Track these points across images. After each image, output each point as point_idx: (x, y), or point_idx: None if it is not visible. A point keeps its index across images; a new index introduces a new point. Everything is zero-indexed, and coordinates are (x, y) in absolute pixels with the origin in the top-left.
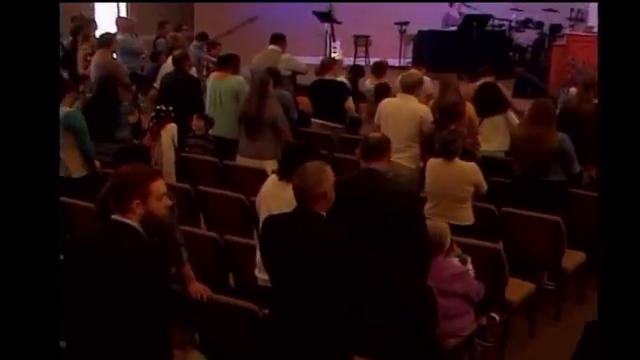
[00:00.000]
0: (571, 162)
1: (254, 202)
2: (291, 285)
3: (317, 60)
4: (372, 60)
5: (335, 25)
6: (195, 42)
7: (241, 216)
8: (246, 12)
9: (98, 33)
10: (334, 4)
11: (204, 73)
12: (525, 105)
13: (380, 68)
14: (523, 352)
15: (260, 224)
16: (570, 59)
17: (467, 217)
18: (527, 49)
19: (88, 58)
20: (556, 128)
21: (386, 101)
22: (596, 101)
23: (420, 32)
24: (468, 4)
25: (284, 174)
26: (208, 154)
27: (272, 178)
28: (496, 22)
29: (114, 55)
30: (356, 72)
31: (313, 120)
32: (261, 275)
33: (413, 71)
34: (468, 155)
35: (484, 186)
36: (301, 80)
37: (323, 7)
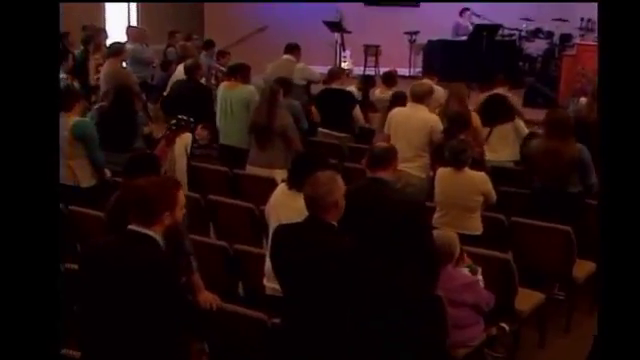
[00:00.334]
0: (589, 173)
1: (264, 211)
2: (302, 295)
3: (326, 70)
4: (382, 70)
5: (345, 34)
6: (204, 51)
7: (251, 225)
8: (256, 22)
9: (109, 42)
10: (343, 12)
11: (212, 81)
12: (535, 115)
13: (391, 78)
14: None
15: (270, 233)
16: (580, 69)
17: (476, 227)
18: (537, 59)
19: (99, 68)
20: (574, 139)
21: (396, 110)
22: None
23: (430, 42)
24: (478, 13)
25: (294, 183)
26: (212, 163)
27: (282, 187)
28: (506, 32)
29: (124, 64)
30: (367, 82)
31: (320, 129)
32: (270, 284)
33: (425, 81)
34: (478, 165)
35: (493, 196)
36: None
37: (333, 17)
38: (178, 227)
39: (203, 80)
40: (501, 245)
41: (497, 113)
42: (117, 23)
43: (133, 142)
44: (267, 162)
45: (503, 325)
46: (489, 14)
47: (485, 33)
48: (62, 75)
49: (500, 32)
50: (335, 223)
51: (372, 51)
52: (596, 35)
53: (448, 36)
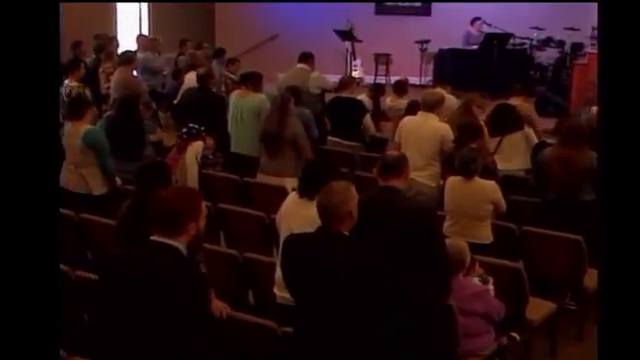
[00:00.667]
0: None
1: (274, 220)
2: (313, 304)
3: (337, 78)
4: (393, 78)
5: (356, 43)
6: (215, 60)
7: (261, 234)
8: (267, 30)
9: (120, 51)
10: (353, 22)
11: (222, 89)
12: (545, 124)
13: (402, 87)
14: None
15: (280, 242)
16: (592, 78)
17: (486, 235)
18: (548, 68)
19: (110, 77)
20: (588, 147)
21: (406, 119)
22: None
23: (441, 50)
24: (489, 22)
25: (305, 192)
26: (218, 170)
27: (292, 196)
28: (517, 41)
29: (134, 73)
30: (377, 90)
31: (330, 138)
32: (280, 293)
33: (438, 90)
34: (490, 174)
35: (503, 205)
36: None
37: (344, 26)
38: (200, 237)
39: (215, 89)
40: (512, 254)
41: (506, 122)
42: (129, 32)
43: (142, 150)
44: (277, 170)
45: (514, 335)
46: (500, 23)
47: (496, 42)
48: (74, 83)
49: (511, 41)
50: (347, 233)
51: (383, 60)
52: None
53: (459, 45)
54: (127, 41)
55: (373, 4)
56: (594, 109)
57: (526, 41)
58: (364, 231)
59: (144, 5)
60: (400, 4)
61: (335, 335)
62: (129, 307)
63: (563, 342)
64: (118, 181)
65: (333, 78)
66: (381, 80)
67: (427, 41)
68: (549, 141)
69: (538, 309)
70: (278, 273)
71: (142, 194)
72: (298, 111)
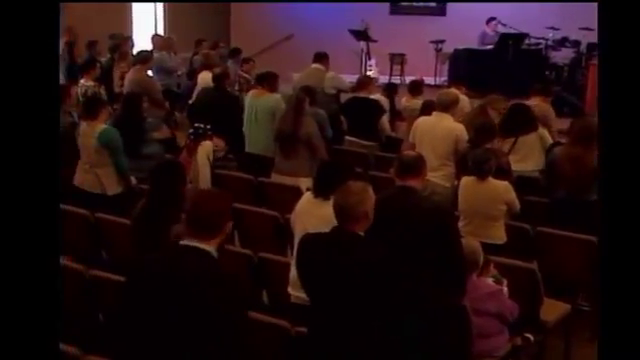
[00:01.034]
0: None
1: (288, 219)
2: (328, 304)
3: (352, 78)
4: (407, 78)
5: (371, 43)
6: (230, 59)
7: (275, 233)
8: (282, 30)
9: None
10: (368, 22)
11: (236, 88)
12: (561, 124)
13: (417, 87)
14: None
15: (295, 242)
16: None
17: (500, 236)
18: (564, 68)
19: (124, 76)
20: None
21: (421, 119)
22: None
23: (456, 50)
24: (504, 22)
25: (319, 192)
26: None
27: (307, 196)
28: (532, 41)
29: (149, 72)
30: (390, 90)
31: (347, 138)
32: (295, 292)
33: (452, 90)
34: (504, 174)
35: (517, 205)
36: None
37: (359, 26)
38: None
39: (230, 88)
40: (526, 255)
41: (520, 123)
42: (144, 32)
43: (140, 148)
44: (292, 170)
45: (528, 335)
46: (515, 23)
47: (511, 42)
48: (90, 83)
49: (526, 41)
50: (362, 234)
51: (398, 60)
52: None
53: (474, 45)
54: (142, 41)
55: (388, 4)
56: None
57: (541, 41)
58: (381, 230)
59: (159, 5)
60: (415, 4)
61: (350, 335)
62: (162, 313)
63: (577, 343)
64: (133, 180)
65: (348, 78)
66: (396, 80)
67: (442, 41)
68: (563, 141)
69: (552, 310)
70: (292, 273)
71: (157, 193)
72: (312, 111)
